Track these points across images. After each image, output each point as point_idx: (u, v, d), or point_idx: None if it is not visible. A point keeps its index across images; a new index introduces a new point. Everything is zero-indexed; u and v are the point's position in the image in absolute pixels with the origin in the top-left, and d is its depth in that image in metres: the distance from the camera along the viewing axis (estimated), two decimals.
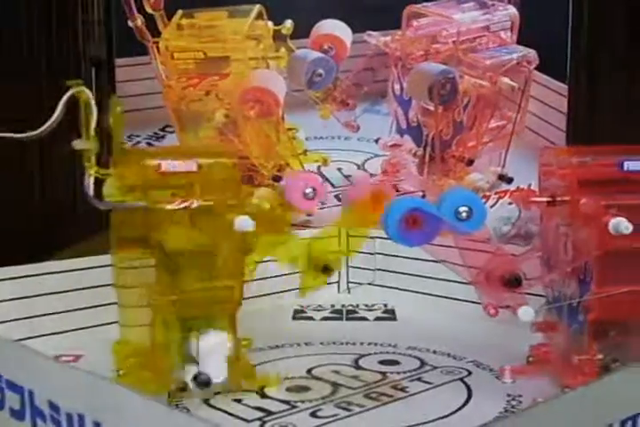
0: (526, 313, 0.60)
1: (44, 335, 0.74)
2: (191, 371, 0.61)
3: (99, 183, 0.61)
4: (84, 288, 0.77)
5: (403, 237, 0.60)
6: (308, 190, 0.70)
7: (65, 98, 0.58)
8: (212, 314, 0.62)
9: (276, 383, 0.64)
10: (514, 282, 0.61)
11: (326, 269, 0.66)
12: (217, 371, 0.61)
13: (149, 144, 1.01)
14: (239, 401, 0.62)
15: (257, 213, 0.61)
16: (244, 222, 0.59)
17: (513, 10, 0.90)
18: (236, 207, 0.60)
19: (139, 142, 1.00)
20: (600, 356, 0.60)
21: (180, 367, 0.61)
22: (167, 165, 0.60)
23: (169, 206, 0.59)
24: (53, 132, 0.59)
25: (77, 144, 0.59)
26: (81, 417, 0.48)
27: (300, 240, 0.66)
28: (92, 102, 0.59)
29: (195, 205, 0.59)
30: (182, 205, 0.59)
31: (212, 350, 0.61)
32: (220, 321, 0.62)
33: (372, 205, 0.64)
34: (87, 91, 0.59)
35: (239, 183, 0.62)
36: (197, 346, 0.61)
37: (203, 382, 0.60)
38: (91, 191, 0.60)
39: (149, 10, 0.92)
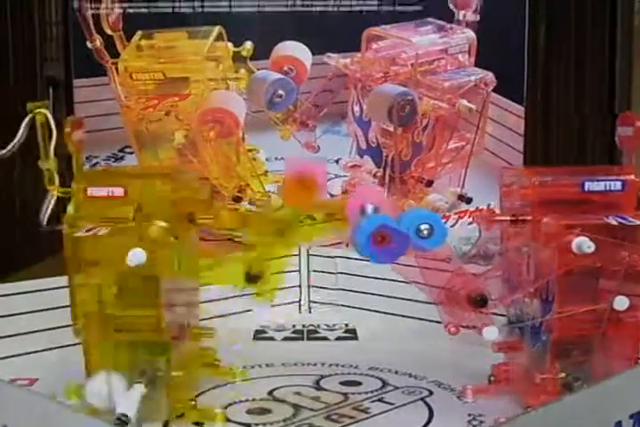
0: (491, 333, 0.60)
1: None
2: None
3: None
4: (38, 310, 0.75)
5: (372, 253, 0.59)
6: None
7: (27, 119, 0.59)
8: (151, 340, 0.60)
9: (221, 419, 0.61)
10: (480, 302, 0.61)
11: (252, 278, 0.64)
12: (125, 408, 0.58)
13: (108, 165, 0.99)
14: (200, 424, 0.60)
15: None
16: (135, 256, 0.56)
17: (470, 33, 0.91)
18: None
19: (97, 163, 0.99)
20: (562, 375, 0.60)
21: None
22: (92, 190, 0.59)
23: (77, 234, 0.58)
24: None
25: (39, 164, 0.59)
26: None
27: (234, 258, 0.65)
28: (52, 123, 0.59)
29: (101, 232, 0.57)
30: (89, 233, 0.57)
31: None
32: (155, 348, 0.60)
33: (299, 188, 0.62)
34: (46, 112, 0.59)
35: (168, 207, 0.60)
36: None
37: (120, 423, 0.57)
38: (47, 213, 0.59)
39: (108, 31, 0.91)
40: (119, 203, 0.59)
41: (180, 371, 0.61)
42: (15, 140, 0.59)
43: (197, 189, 0.64)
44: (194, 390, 0.64)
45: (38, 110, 0.59)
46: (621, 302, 0.57)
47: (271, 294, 0.67)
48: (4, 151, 0.60)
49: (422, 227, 0.58)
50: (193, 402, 0.61)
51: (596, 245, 0.56)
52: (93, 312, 0.59)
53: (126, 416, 0.57)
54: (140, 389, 0.58)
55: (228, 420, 0.62)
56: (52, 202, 0.60)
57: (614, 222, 0.58)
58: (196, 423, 0.61)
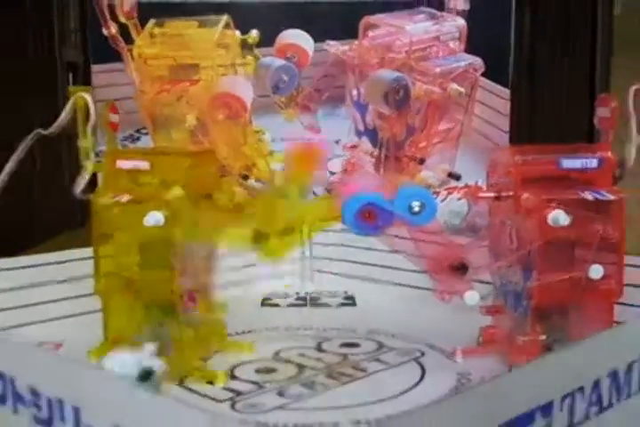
0: (472, 298, 0.61)
1: (25, 324, 0.72)
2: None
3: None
4: (63, 280, 0.76)
5: (360, 228, 0.60)
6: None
7: (70, 102, 0.62)
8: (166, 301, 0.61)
9: (223, 380, 0.61)
10: (461, 269, 0.61)
11: (259, 237, 0.62)
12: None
13: (125, 145, 0.99)
14: (211, 383, 0.61)
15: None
16: (151, 218, 0.57)
17: (461, 21, 0.90)
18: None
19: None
20: (542, 337, 0.60)
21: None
22: (120, 163, 0.61)
23: (102, 200, 0.59)
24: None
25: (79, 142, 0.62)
26: (61, 402, 0.47)
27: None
28: (91, 106, 0.61)
29: (124, 199, 0.59)
30: (114, 200, 0.59)
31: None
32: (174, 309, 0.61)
33: (303, 161, 0.62)
34: (86, 96, 0.62)
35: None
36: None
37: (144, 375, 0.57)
38: (80, 185, 0.61)
39: (123, 19, 0.90)
40: (145, 177, 0.61)
41: (189, 333, 0.62)
42: (59, 120, 0.61)
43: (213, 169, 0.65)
44: (202, 352, 0.64)
45: (80, 94, 0.61)
46: (596, 271, 0.58)
47: (280, 252, 0.65)
48: (50, 130, 0.62)
49: (414, 204, 0.59)
50: (200, 363, 0.62)
51: (572, 218, 0.56)
52: (114, 273, 0.61)
53: (151, 369, 0.56)
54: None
55: (237, 378, 0.62)
56: (87, 176, 0.62)
57: (590, 197, 0.58)
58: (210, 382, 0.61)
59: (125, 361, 0.57)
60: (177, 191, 0.59)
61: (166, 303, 0.61)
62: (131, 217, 0.58)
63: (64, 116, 0.62)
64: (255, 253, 0.64)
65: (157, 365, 0.57)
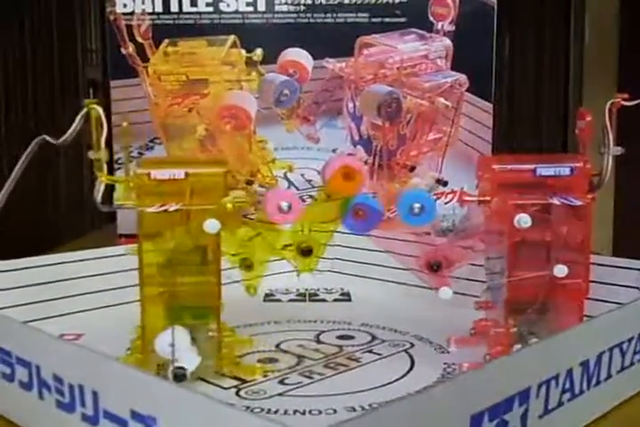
0: (445, 293, 0.61)
1: (50, 317, 0.72)
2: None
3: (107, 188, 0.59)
4: (83, 276, 0.76)
5: (350, 225, 0.60)
6: (284, 204, 0.60)
7: (81, 113, 0.58)
8: (198, 305, 0.59)
9: (260, 373, 0.60)
10: (435, 267, 0.61)
11: (305, 252, 0.62)
12: (188, 362, 0.57)
13: (140, 154, 1.00)
14: (216, 371, 0.61)
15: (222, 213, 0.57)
16: (211, 225, 0.56)
17: (447, 41, 0.91)
18: (216, 210, 0.57)
19: (131, 152, 0.99)
20: (515, 329, 0.60)
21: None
22: (156, 173, 0.58)
23: (149, 209, 0.56)
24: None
25: (91, 154, 0.58)
26: (81, 388, 0.47)
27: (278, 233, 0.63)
28: (103, 118, 0.58)
29: (172, 208, 0.56)
30: (161, 209, 0.56)
31: (173, 346, 0.57)
32: (206, 312, 0.60)
33: (343, 180, 0.60)
34: (98, 108, 0.58)
35: (222, 189, 0.59)
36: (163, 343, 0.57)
37: (179, 376, 0.56)
38: (99, 196, 0.58)
39: (139, 39, 0.91)
40: (176, 186, 0.58)
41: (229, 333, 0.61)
42: (70, 131, 0.58)
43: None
44: (238, 350, 0.63)
45: (92, 106, 0.57)
46: (560, 270, 0.57)
47: (256, 285, 0.65)
48: (60, 140, 0.59)
49: (415, 206, 0.59)
50: (237, 360, 0.61)
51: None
52: (152, 278, 0.58)
53: (184, 370, 0.56)
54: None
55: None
56: (102, 187, 0.58)
57: (557, 202, 0.57)
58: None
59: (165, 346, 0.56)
60: (233, 198, 0.56)
61: (200, 307, 0.59)
62: (171, 224, 0.56)
63: (74, 126, 0.58)
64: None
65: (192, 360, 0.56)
